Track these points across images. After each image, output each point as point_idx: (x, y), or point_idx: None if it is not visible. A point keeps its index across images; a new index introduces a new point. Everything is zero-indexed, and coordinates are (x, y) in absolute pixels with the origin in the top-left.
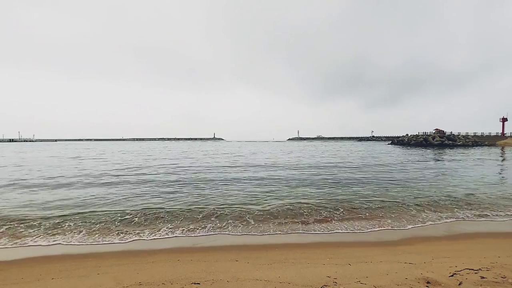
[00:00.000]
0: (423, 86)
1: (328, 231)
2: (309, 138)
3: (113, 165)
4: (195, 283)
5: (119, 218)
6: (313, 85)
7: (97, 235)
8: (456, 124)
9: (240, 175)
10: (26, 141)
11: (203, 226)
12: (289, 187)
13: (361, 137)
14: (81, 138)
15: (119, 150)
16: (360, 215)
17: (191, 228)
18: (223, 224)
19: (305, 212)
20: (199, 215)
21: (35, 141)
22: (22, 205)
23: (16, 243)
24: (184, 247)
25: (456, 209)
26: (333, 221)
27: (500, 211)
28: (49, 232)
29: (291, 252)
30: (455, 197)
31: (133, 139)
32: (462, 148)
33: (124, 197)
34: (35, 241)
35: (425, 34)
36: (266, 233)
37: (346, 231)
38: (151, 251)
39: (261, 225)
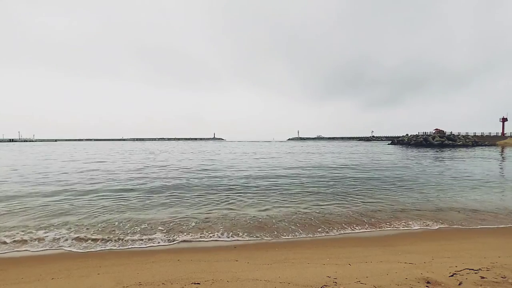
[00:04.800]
0: (423, 86)
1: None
2: (309, 138)
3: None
4: (195, 283)
5: None
6: (314, 85)
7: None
8: (456, 124)
9: None
10: (26, 141)
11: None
12: None
13: (361, 137)
14: (81, 138)
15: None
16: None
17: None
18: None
19: None
20: None
21: (35, 141)
22: None
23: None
24: (184, 247)
25: None
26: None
27: None
28: None
29: (291, 252)
30: None
31: (133, 139)
32: (463, 148)
33: None
34: None
35: (425, 33)
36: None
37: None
38: (151, 251)
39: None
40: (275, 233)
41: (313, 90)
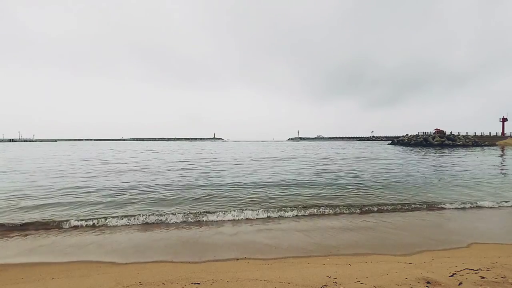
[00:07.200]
0: (424, 86)
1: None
2: (309, 138)
3: None
4: (195, 283)
5: None
6: (314, 85)
7: None
8: (456, 124)
9: None
10: (26, 141)
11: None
12: None
13: (361, 137)
14: (81, 138)
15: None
16: None
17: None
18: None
19: None
20: None
21: (35, 141)
22: None
23: None
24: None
25: None
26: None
27: None
28: None
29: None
30: None
31: (133, 139)
32: (462, 148)
33: None
34: None
35: (426, 33)
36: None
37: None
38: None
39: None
40: None
41: (313, 90)
